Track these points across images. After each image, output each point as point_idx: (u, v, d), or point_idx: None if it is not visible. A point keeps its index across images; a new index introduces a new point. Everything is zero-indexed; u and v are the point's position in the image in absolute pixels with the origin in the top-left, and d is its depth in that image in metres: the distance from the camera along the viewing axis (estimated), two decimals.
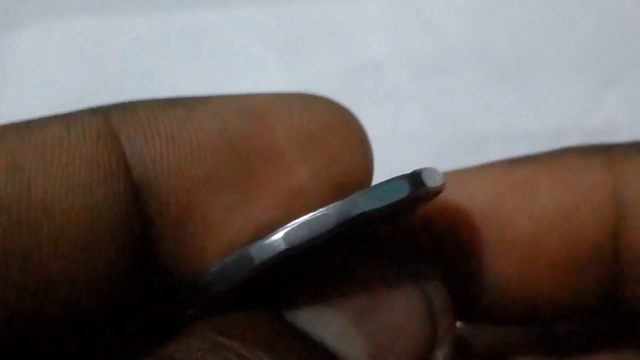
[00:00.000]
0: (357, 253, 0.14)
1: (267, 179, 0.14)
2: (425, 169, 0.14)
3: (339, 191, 0.14)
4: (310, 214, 0.13)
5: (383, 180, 0.14)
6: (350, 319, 0.13)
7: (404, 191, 0.13)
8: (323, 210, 0.13)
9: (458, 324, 0.18)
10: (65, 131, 0.14)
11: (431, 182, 0.14)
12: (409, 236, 0.17)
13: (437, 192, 0.14)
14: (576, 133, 0.40)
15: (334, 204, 0.13)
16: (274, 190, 0.14)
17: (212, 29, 0.46)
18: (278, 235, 0.13)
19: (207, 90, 0.45)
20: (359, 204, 0.13)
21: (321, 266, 0.14)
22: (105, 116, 0.14)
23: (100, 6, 0.46)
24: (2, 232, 0.13)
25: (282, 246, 0.13)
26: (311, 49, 0.45)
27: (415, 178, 0.14)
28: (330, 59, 0.44)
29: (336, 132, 0.15)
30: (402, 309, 0.14)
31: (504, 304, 0.16)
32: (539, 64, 0.44)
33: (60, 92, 0.43)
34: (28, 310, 0.13)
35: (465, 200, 0.16)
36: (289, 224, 0.13)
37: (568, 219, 0.16)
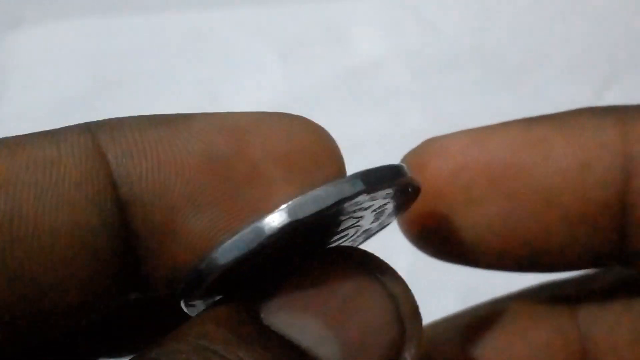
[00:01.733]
0: (328, 259, 0.15)
1: (247, 198, 0.15)
2: (380, 167, 0.14)
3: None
4: (314, 190, 0.14)
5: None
6: (324, 322, 0.14)
7: (357, 186, 0.14)
8: (326, 186, 0.14)
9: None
10: (55, 151, 0.14)
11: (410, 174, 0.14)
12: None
13: (415, 190, 0.15)
14: None
15: (335, 181, 0.14)
16: (255, 208, 0.15)
17: (213, 30, 0.46)
18: (283, 208, 0.14)
19: (208, 90, 0.45)
20: (357, 183, 0.14)
21: (295, 271, 0.15)
22: (93, 135, 0.15)
23: (101, 7, 0.46)
24: None
25: (288, 219, 0.13)
26: (311, 49, 0.45)
27: (400, 168, 0.14)
28: (330, 59, 0.45)
29: (312, 151, 0.15)
30: (372, 312, 0.14)
31: (517, 251, 0.17)
32: (538, 64, 0.44)
33: (61, 92, 0.43)
34: (17, 321, 0.14)
35: (485, 155, 0.17)
36: (292, 200, 0.14)
37: (580, 174, 0.17)
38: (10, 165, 0.14)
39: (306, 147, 0.15)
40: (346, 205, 0.14)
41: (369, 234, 0.17)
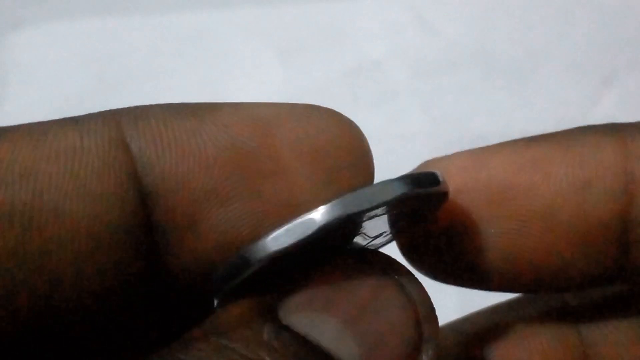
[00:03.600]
0: (347, 261, 0.15)
1: (271, 192, 0.15)
2: (424, 172, 0.14)
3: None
4: (299, 217, 0.14)
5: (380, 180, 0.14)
6: (343, 322, 0.14)
7: (393, 192, 0.14)
8: (311, 212, 0.14)
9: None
10: (78, 140, 0.14)
11: (423, 183, 0.14)
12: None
13: (436, 193, 0.15)
14: None
15: (323, 206, 0.14)
16: (278, 203, 0.15)
17: (213, 30, 0.46)
18: (267, 238, 0.14)
19: (208, 90, 0.45)
20: (348, 204, 0.14)
21: (314, 272, 0.15)
22: (117, 125, 0.15)
23: (102, 8, 0.46)
24: (15, 237, 0.13)
25: (272, 248, 0.13)
26: (311, 49, 0.45)
27: (405, 179, 0.14)
28: (330, 59, 0.45)
29: (340, 146, 0.15)
30: (390, 313, 0.14)
31: (519, 273, 0.17)
32: (538, 64, 0.44)
33: (62, 93, 0.43)
34: (36, 309, 0.14)
35: (485, 176, 0.17)
36: (278, 227, 0.14)
37: (581, 194, 0.16)
38: (32, 155, 0.14)
39: (333, 141, 0.15)
40: (389, 206, 0.14)
41: (388, 240, 0.17)
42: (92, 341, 0.16)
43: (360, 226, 0.15)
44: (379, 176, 0.15)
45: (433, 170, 0.15)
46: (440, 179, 0.15)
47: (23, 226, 0.13)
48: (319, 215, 0.13)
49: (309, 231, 0.13)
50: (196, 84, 0.44)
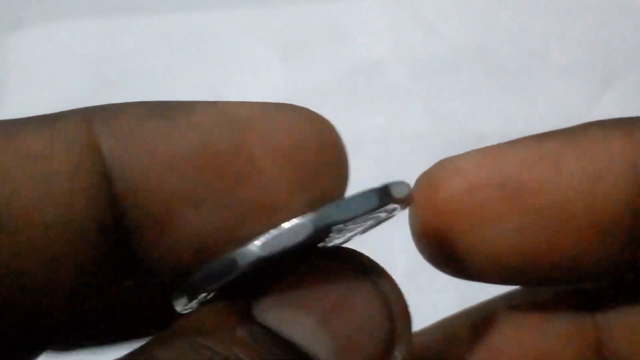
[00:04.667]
0: (320, 259, 0.15)
1: (245, 194, 0.15)
2: (394, 182, 0.15)
3: (315, 207, 0.14)
4: (287, 224, 0.14)
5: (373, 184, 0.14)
6: (317, 320, 0.14)
7: (372, 203, 0.14)
8: (299, 220, 0.14)
9: None
10: (49, 142, 0.14)
11: (398, 194, 0.15)
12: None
13: (405, 202, 0.15)
14: None
15: (309, 214, 0.14)
16: (252, 204, 0.15)
17: (213, 30, 0.46)
18: (257, 243, 0.14)
19: (208, 91, 0.45)
20: (333, 214, 0.14)
21: (288, 270, 0.15)
22: (88, 125, 0.14)
23: (102, 8, 0.46)
24: None
25: (261, 254, 0.14)
26: (311, 49, 0.45)
27: (383, 191, 0.14)
28: (330, 59, 0.45)
29: (315, 147, 0.15)
30: (363, 310, 0.15)
31: (533, 266, 0.18)
32: (537, 64, 0.44)
33: (61, 93, 0.43)
34: (8, 313, 0.14)
35: (498, 172, 0.17)
36: (266, 233, 0.14)
37: (592, 187, 0.17)
38: (1, 158, 0.14)
39: (309, 141, 0.15)
40: (369, 215, 0.14)
41: (359, 234, 0.17)
42: (66, 343, 0.17)
43: (329, 231, 0.15)
44: (379, 176, 0.15)
45: (402, 180, 0.15)
46: (389, 192, 0.15)
47: None
48: (308, 221, 0.14)
49: (299, 238, 0.14)
50: (196, 84, 0.44)
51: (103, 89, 0.44)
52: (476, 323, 0.19)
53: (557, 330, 0.19)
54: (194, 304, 0.15)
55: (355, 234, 0.17)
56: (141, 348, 0.13)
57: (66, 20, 0.46)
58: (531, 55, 0.44)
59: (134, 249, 0.15)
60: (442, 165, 0.18)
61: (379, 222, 0.17)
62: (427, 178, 0.18)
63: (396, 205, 0.15)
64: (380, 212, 0.15)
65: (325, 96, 0.43)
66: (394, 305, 0.15)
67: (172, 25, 0.46)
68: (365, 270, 0.15)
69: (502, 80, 0.43)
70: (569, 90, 0.43)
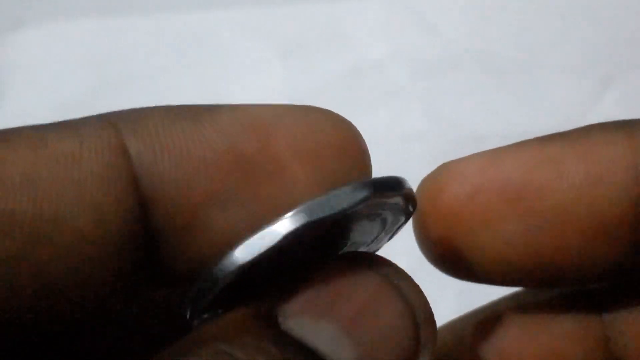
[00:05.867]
0: (344, 264, 0.15)
1: (270, 195, 0.15)
2: (387, 176, 0.15)
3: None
4: (307, 201, 0.14)
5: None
6: (340, 327, 0.14)
7: (359, 195, 0.14)
8: (300, 208, 0.14)
9: None
10: (77, 146, 0.14)
11: (391, 186, 0.14)
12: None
13: (404, 197, 0.15)
14: None
15: (332, 191, 0.14)
16: (276, 205, 0.15)
17: (213, 30, 0.46)
18: (280, 221, 0.13)
19: (208, 91, 0.45)
20: (368, 189, 0.14)
21: (311, 276, 0.15)
22: (116, 130, 0.14)
23: (102, 8, 0.46)
24: (15, 247, 0.13)
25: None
26: (311, 49, 0.45)
27: (372, 182, 0.14)
28: (330, 60, 0.45)
29: (338, 147, 0.15)
30: (388, 318, 0.14)
31: (537, 268, 0.18)
32: (538, 64, 0.44)
33: (62, 93, 0.44)
34: (38, 317, 0.14)
35: (501, 175, 0.18)
36: (304, 204, 0.13)
37: (594, 189, 0.17)
38: (31, 162, 0.14)
39: (332, 142, 0.15)
40: (359, 209, 0.14)
41: (379, 243, 0.17)
42: (93, 346, 0.17)
43: (349, 228, 0.15)
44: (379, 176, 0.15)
45: (397, 176, 0.15)
46: (406, 184, 0.15)
47: (23, 236, 0.13)
48: (278, 226, 0.13)
49: (271, 244, 0.13)
50: (196, 84, 0.44)
51: (103, 89, 0.44)
52: (483, 323, 0.19)
53: (564, 330, 0.19)
54: (199, 313, 0.15)
55: (374, 241, 0.17)
56: (161, 356, 0.13)
57: (66, 20, 0.46)
58: (531, 55, 0.44)
59: (161, 252, 0.15)
60: (445, 169, 0.18)
61: (390, 227, 0.16)
62: (430, 182, 0.18)
63: (397, 201, 0.15)
64: (383, 208, 0.15)
65: (325, 96, 0.43)
66: (418, 311, 0.15)
67: (172, 25, 0.46)
68: (389, 275, 0.15)
69: (502, 80, 0.43)
70: (569, 90, 0.43)
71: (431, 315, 0.15)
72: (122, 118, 0.15)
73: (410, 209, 0.16)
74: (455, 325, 0.20)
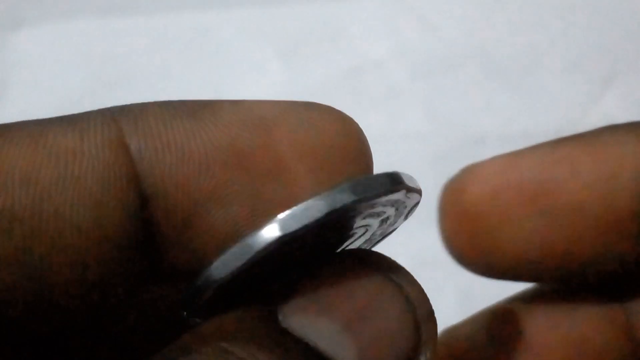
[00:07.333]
0: (344, 261, 0.15)
1: (272, 193, 0.15)
2: (403, 173, 0.15)
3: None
4: (300, 204, 0.13)
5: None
6: (341, 325, 0.14)
7: (385, 185, 0.14)
8: (314, 199, 0.13)
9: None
10: (78, 142, 0.14)
11: (410, 182, 0.14)
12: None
13: (414, 193, 0.15)
14: (574, 132, 0.40)
15: (323, 193, 0.13)
16: (278, 203, 0.15)
17: (213, 30, 0.46)
18: (273, 224, 0.13)
19: (208, 91, 0.45)
20: (347, 194, 0.13)
21: (312, 274, 0.15)
22: (117, 126, 0.14)
23: (102, 8, 0.46)
24: (15, 243, 0.13)
25: (278, 233, 0.13)
26: (311, 49, 0.45)
27: (395, 176, 0.14)
28: (330, 59, 0.45)
29: (340, 145, 0.15)
30: (389, 315, 0.14)
31: (555, 264, 0.18)
32: (538, 64, 0.44)
33: (62, 93, 0.44)
34: (38, 314, 0.14)
35: (518, 176, 0.18)
36: (282, 214, 0.13)
37: (608, 186, 0.18)
38: (32, 157, 0.14)
39: (333, 140, 0.15)
40: (343, 214, 0.14)
41: (375, 239, 0.17)
42: (94, 344, 0.16)
43: (350, 225, 0.15)
44: None
45: (389, 172, 0.14)
46: (402, 179, 0.14)
47: (24, 233, 0.13)
48: (255, 240, 0.13)
49: (246, 257, 0.13)
50: (196, 83, 0.44)
51: (103, 89, 0.44)
52: (504, 312, 0.20)
53: (587, 317, 0.19)
54: (202, 302, 0.15)
55: (374, 237, 0.17)
56: (163, 354, 0.13)
57: (66, 20, 0.46)
58: (531, 55, 0.44)
59: (161, 249, 0.15)
60: (467, 171, 0.19)
61: (402, 210, 0.16)
62: (453, 184, 0.19)
63: (405, 198, 0.15)
64: (391, 202, 0.15)
65: (325, 96, 0.43)
66: (418, 309, 0.15)
67: (172, 25, 0.46)
68: (390, 272, 0.15)
69: (502, 80, 0.43)
70: (569, 90, 0.43)
71: (432, 313, 0.15)
72: (123, 113, 0.15)
73: (413, 198, 0.15)
74: (468, 323, 0.20)
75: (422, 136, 0.42)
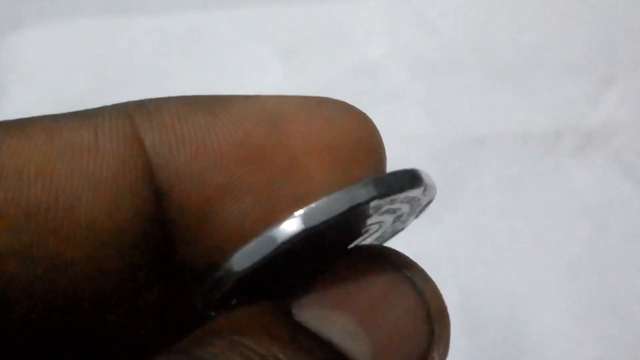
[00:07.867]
0: (358, 257, 0.15)
1: (285, 188, 0.15)
2: (422, 170, 0.15)
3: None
4: (325, 197, 0.13)
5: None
6: (355, 320, 0.14)
7: (407, 181, 0.14)
8: (337, 193, 0.13)
9: None
10: (93, 137, 0.14)
11: (428, 180, 0.14)
12: None
13: (430, 194, 0.15)
14: (574, 133, 0.40)
15: (345, 187, 0.13)
16: (292, 199, 0.15)
17: (213, 30, 0.46)
18: (296, 217, 0.13)
19: (208, 91, 0.45)
20: (370, 189, 0.13)
21: (325, 269, 0.15)
22: (131, 120, 0.14)
23: (102, 7, 0.46)
24: (31, 238, 0.13)
25: (302, 226, 0.13)
26: (311, 49, 0.45)
27: (415, 173, 0.14)
28: (330, 59, 0.45)
29: (353, 139, 0.15)
30: (402, 310, 0.14)
31: None
32: (538, 64, 0.44)
33: (62, 93, 0.44)
34: (53, 307, 0.14)
35: None
36: (305, 207, 0.13)
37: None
38: (47, 152, 0.14)
39: (347, 136, 0.15)
40: (363, 209, 0.14)
41: (386, 237, 0.17)
42: (109, 337, 0.16)
43: (364, 221, 0.15)
44: None
45: (410, 168, 0.14)
46: (422, 176, 0.14)
47: (39, 227, 0.13)
48: (278, 231, 0.13)
49: (270, 249, 0.13)
50: (196, 83, 0.44)
51: (103, 89, 0.44)
52: None
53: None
54: (217, 296, 0.15)
55: (387, 233, 0.17)
56: (178, 347, 0.13)
57: (66, 20, 0.46)
58: (531, 55, 0.44)
59: (175, 244, 0.15)
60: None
61: (416, 206, 0.16)
62: None
63: (421, 195, 0.15)
64: (409, 198, 0.15)
65: (325, 96, 0.43)
66: (432, 304, 0.14)
67: (172, 25, 0.46)
68: (403, 268, 0.15)
69: (502, 80, 0.43)
70: (568, 90, 0.43)
71: (445, 309, 0.15)
72: (137, 108, 0.15)
73: (428, 196, 0.15)
74: None
75: (422, 136, 0.42)
